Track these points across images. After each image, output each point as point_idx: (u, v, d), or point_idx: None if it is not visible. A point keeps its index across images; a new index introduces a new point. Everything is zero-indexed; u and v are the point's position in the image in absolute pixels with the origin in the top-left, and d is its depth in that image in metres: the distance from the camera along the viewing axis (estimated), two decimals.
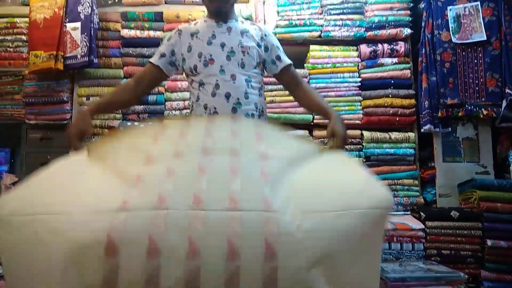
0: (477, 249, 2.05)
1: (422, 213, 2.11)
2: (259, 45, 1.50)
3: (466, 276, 1.78)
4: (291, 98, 2.52)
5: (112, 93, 1.58)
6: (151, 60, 1.52)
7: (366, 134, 2.48)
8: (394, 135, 2.48)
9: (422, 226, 2.06)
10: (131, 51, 2.60)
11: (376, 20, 2.59)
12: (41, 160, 2.49)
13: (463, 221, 2.07)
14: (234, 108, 1.40)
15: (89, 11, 2.52)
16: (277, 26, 2.58)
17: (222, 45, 1.45)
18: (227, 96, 1.40)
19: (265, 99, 1.57)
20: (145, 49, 2.59)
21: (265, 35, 1.55)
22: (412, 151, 2.47)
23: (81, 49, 2.49)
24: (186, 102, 2.52)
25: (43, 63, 2.48)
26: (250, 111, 1.43)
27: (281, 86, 2.52)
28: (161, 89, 2.56)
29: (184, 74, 1.57)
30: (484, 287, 1.97)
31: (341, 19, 2.60)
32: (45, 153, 2.51)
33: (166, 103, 2.55)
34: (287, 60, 1.56)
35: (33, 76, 2.58)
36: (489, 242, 2.01)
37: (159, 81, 1.63)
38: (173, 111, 2.53)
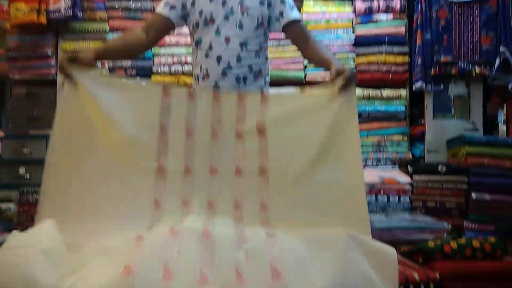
0: (462, 202, 2.25)
1: (409, 167, 2.29)
2: (262, 3, 1.53)
3: (450, 226, 1.98)
4: (283, 55, 2.67)
5: (119, 38, 1.57)
6: (160, 11, 1.56)
7: (358, 91, 2.62)
8: (386, 92, 2.64)
9: (409, 180, 2.25)
10: (117, 5, 2.69)
11: None
12: (27, 115, 2.62)
13: (450, 175, 2.26)
14: (224, 72, 1.49)
15: None
16: None
17: (223, 3, 1.51)
18: (218, 59, 1.50)
19: (267, 59, 1.62)
20: (131, 2, 2.67)
21: None
22: (403, 108, 2.65)
23: (64, 2, 2.56)
24: (175, 58, 2.63)
25: (25, 16, 2.55)
26: (242, 74, 1.52)
27: (272, 43, 2.63)
28: None
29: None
30: (466, 237, 2.17)
31: None
32: (31, 109, 2.64)
33: (154, 58, 2.66)
34: (291, 15, 1.56)
35: (15, 30, 2.66)
36: (474, 195, 2.21)
37: (166, 32, 1.67)
38: (162, 66, 2.64)
